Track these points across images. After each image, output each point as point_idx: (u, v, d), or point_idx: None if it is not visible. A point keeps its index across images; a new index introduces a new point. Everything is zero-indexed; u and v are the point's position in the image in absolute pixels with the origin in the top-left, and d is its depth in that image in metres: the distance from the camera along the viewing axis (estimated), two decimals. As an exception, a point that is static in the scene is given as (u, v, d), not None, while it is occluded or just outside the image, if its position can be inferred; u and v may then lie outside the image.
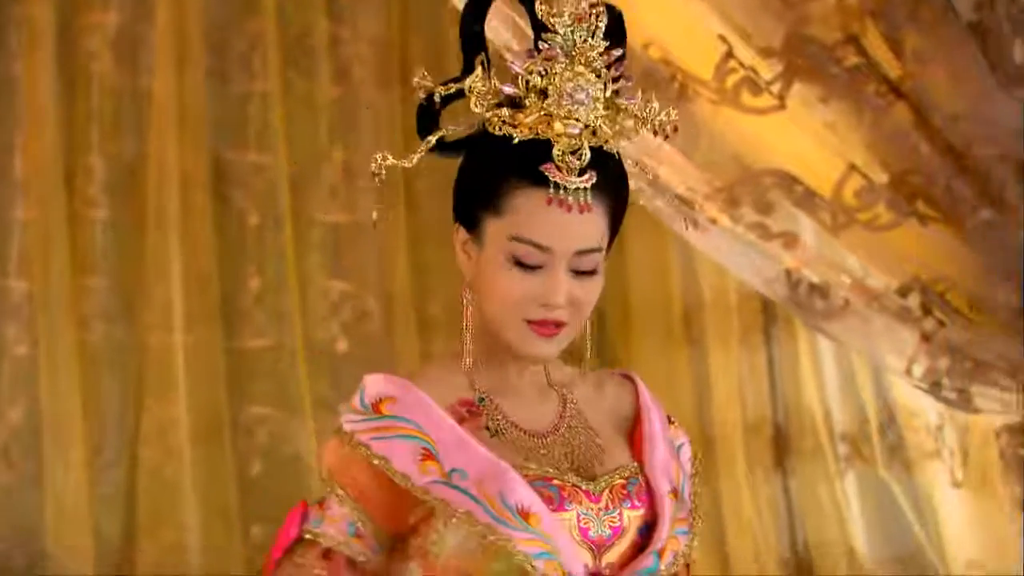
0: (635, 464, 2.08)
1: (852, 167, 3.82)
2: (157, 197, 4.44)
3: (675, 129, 2.03)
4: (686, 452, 2.17)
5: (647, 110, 2.03)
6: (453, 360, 2.08)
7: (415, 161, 2.03)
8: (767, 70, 3.76)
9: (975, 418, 3.97)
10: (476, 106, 2.02)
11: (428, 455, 1.99)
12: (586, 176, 1.99)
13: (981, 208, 3.77)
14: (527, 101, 2.00)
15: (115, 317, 4.44)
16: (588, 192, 1.99)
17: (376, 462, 1.99)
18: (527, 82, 1.99)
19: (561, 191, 1.98)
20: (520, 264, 2.00)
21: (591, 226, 2.01)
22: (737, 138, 3.80)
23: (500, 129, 2.00)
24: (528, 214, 1.99)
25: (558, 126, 1.98)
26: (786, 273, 3.91)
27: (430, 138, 2.03)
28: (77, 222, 4.39)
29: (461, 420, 2.03)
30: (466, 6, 2.05)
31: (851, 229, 3.85)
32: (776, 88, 3.76)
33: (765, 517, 4.52)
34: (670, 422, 2.17)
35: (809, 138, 3.84)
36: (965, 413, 3.90)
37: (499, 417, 2.06)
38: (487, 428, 2.04)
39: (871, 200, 3.81)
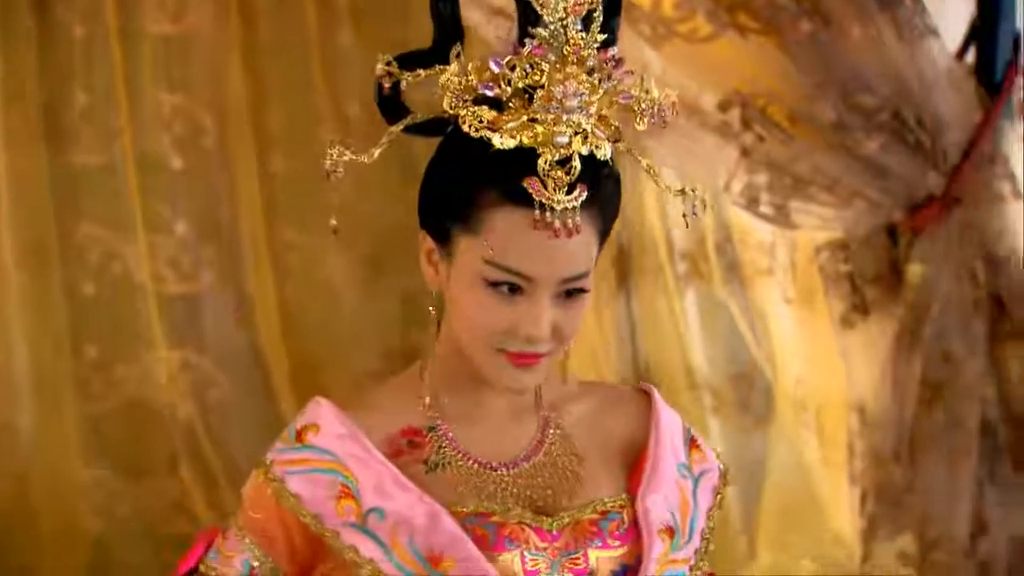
0: (624, 496, 1.88)
1: (669, -24, 3.75)
2: (-29, 9, 4.36)
3: (676, 112, 1.81)
4: (709, 481, 1.95)
5: (646, 100, 1.78)
6: (413, 380, 1.89)
7: (376, 156, 1.80)
8: None
9: (804, 235, 3.95)
10: (450, 105, 1.75)
11: (346, 492, 1.80)
12: (575, 192, 1.73)
13: (803, 20, 3.71)
14: (510, 103, 1.74)
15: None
16: (577, 212, 1.73)
17: (287, 502, 1.82)
18: (509, 81, 1.73)
19: (547, 212, 1.72)
20: (496, 289, 1.76)
21: (580, 250, 1.75)
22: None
23: (477, 131, 1.74)
24: (508, 237, 1.73)
25: (545, 134, 1.73)
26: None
27: (395, 127, 1.80)
28: None
29: (397, 453, 1.84)
30: None
31: (671, 42, 3.79)
32: None
33: (608, 335, 4.52)
34: (694, 446, 1.95)
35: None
36: (782, 229, 3.88)
37: (447, 448, 1.85)
38: (425, 462, 1.84)
39: (689, 11, 3.74)
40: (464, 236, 1.77)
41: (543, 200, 1.72)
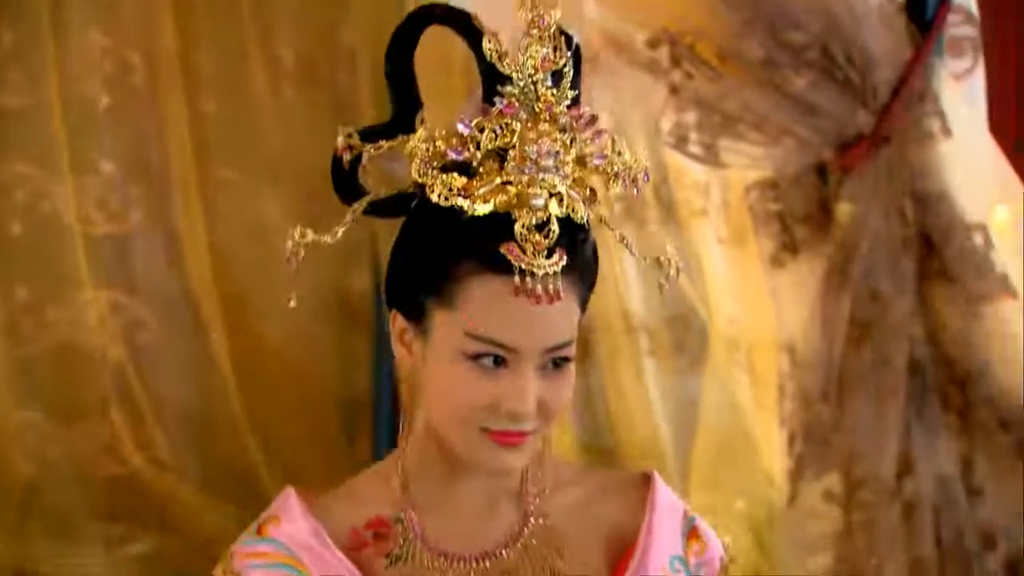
0: None
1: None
2: None
3: (647, 178, 1.73)
4: (706, 574, 1.85)
5: (618, 163, 1.71)
6: (391, 467, 1.80)
7: (339, 235, 1.72)
8: None
9: (736, 174, 3.95)
10: (419, 173, 1.68)
11: None
12: (555, 257, 1.65)
13: (731, -45, 3.71)
14: (481, 167, 1.67)
15: None
16: (559, 277, 1.65)
17: None
18: (478, 143, 1.66)
19: (528, 278, 1.63)
20: (478, 363, 1.67)
21: (563, 316, 1.68)
22: None
23: (447, 200, 1.66)
24: (488, 308, 1.66)
25: (520, 196, 1.65)
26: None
27: (359, 204, 1.72)
28: None
29: (361, 545, 1.76)
30: (391, 44, 1.72)
31: (599, -23, 3.78)
32: None
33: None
34: (693, 536, 1.85)
35: None
36: (712, 168, 3.88)
37: (413, 539, 1.76)
38: (388, 555, 1.76)
39: (617, -51, 3.73)
40: (440, 310, 1.68)
41: (523, 265, 1.63)
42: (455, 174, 1.67)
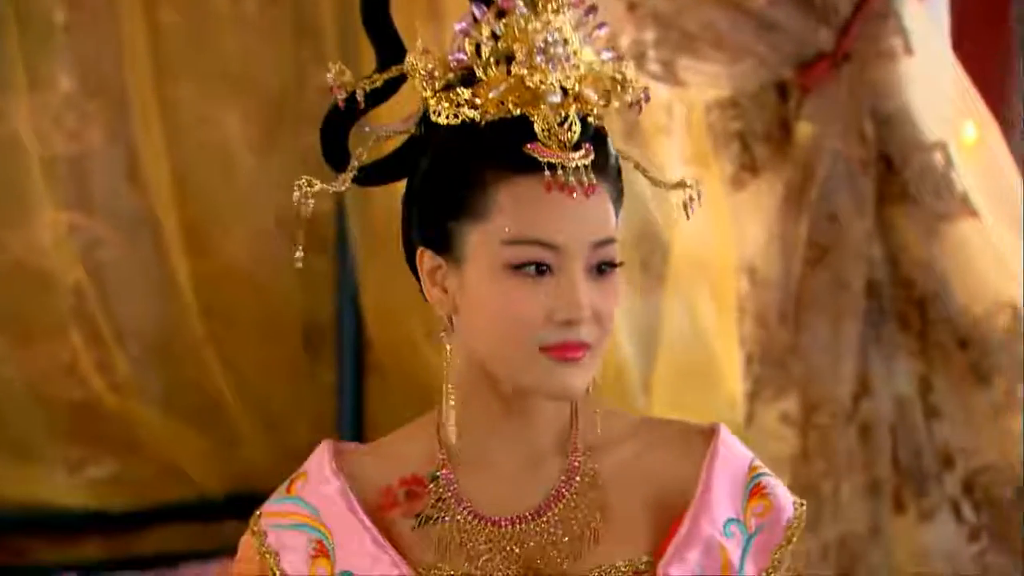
0: (646, 560, 1.67)
1: None
2: None
3: (647, 97, 1.67)
4: (769, 536, 1.69)
5: (624, 69, 1.65)
6: (431, 422, 1.73)
7: (347, 184, 1.67)
8: None
9: (699, 92, 3.93)
10: (423, 88, 1.63)
11: (321, 551, 1.69)
12: (582, 151, 1.60)
13: None
14: (487, 72, 1.61)
15: None
16: (589, 170, 1.60)
17: (265, 558, 1.73)
18: (478, 47, 1.61)
19: (559, 171, 1.58)
20: (521, 272, 1.61)
21: (602, 210, 1.63)
22: None
23: (456, 117, 1.61)
24: (522, 210, 1.60)
25: (534, 93, 1.59)
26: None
27: (362, 150, 1.68)
28: None
29: (391, 505, 1.70)
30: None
31: None
32: None
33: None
34: (756, 493, 1.70)
35: None
36: (670, 87, 3.86)
37: (447, 498, 1.69)
38: (417, 515, 1.69)
39: None
40: (473, 228, 1.62)
41: (552, 160, 1.58)
42: (459, 88, 1.63)
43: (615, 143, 1.66)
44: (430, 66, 1.64)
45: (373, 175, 1.72)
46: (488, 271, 1.62)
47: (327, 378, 4.75)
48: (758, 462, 1.74)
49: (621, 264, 1.66)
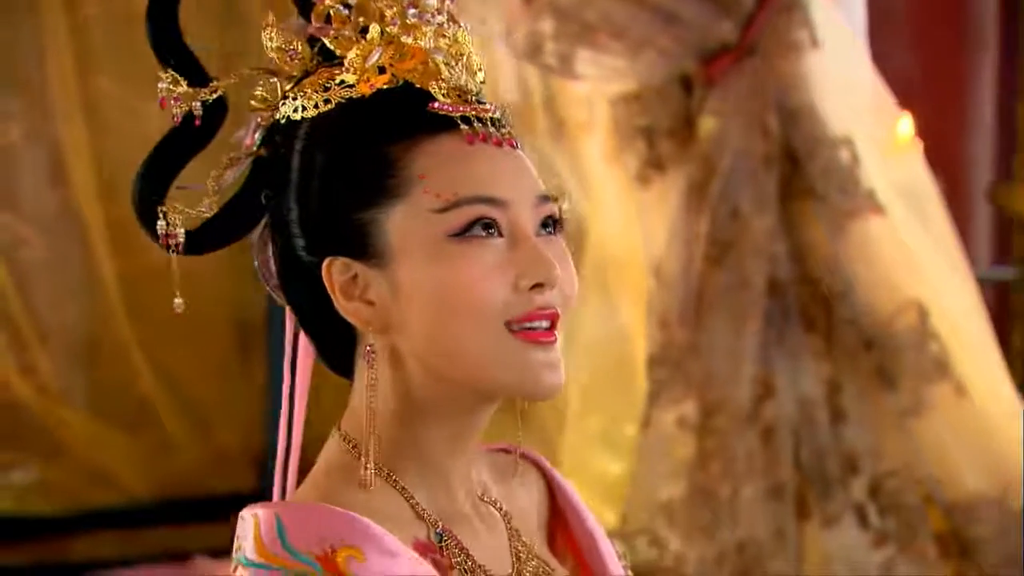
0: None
1: None
2: None
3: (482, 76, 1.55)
4: None
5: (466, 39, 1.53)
6: (353, 467, 1.49)
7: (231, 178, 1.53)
8: None
9: (601, 87, 4.00)
10: (287, 65, 1.52)
11: None
12: (488, 104, 1.49)
13: None
14: (356, 43, 1.49)
15: None
16: (504, 123, 1.50)
17: None
18: (328, 17, 1.49)
19: (476, 123, 1.46)
20: (467, 238, 1.45)
21: (531, 164, 1.50)
22: None
23: (328, 102, 1.48)
24: (449, 168, 1.45)
25: (418, 58, 1.48)
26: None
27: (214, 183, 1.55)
28: None
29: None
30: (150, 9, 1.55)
31: None
32: None
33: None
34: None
35: None
36: (564, 80, 3.93)
37: (465, 563, 1.49)
38: None
39: None
40: (390, 211, 1.46)
41: (466, 113, 1.47)
42: (322, 71, 1.51)
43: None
44: (285, 43, 1.52)
45: (226, 227, 1.54)
46: (425, 253, 1.45)
47: (259, 376, 4.83)
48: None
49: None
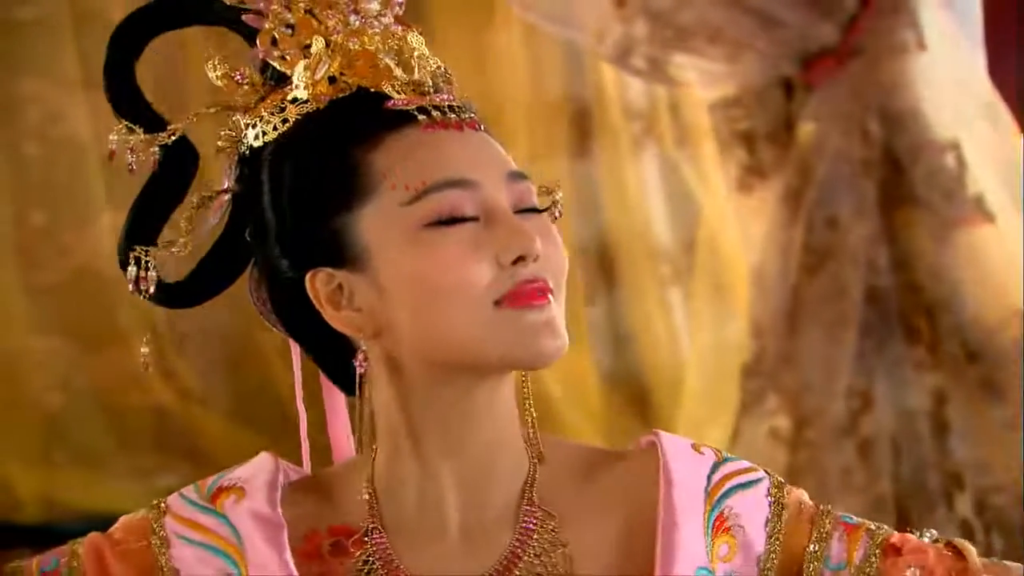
0: None
1: None
2: None
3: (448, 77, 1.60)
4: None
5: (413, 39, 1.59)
6: (364, 463, 1.58)
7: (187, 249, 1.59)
8: None
9: (700, 92, 4.04)
10: (240, 97, 1.59)
11: None
12: (445, 93, 1.56)
13: None
14: (302, 60, 1.56)
15: None
16: (464, 110, 1.55)
17: (160, 571, 1.56)
18: (274, 40, 1.56)
19: (434, 112, 1.53)
20: (444, 225, 1.50)
21: (498, 145, 1.56)
22: None
23: (286, 122, 1.55)
24: (412, 159, 1.51)
25: (362, 52, 1.55)
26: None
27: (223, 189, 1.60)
28: None
29: (312, 555, 1.56)
30: (108, 61, 1.60)
31: None
32: None
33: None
34: (719, 528, 1.57)
35: None
36: (655, 84, 3.98)
37: (376, 564, 1.55)
38: None
39: None
40: (360, 213, 1.52)
41: (421, 104, 1.53)
42: (275, 94, 1.57)
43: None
44: (238, 80, 1.59)
45: (218, 271, 1.63)
46: (402, 245, 1.50)
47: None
48: (708, 466, 1.61)
49: (548, 213, 1.57)
